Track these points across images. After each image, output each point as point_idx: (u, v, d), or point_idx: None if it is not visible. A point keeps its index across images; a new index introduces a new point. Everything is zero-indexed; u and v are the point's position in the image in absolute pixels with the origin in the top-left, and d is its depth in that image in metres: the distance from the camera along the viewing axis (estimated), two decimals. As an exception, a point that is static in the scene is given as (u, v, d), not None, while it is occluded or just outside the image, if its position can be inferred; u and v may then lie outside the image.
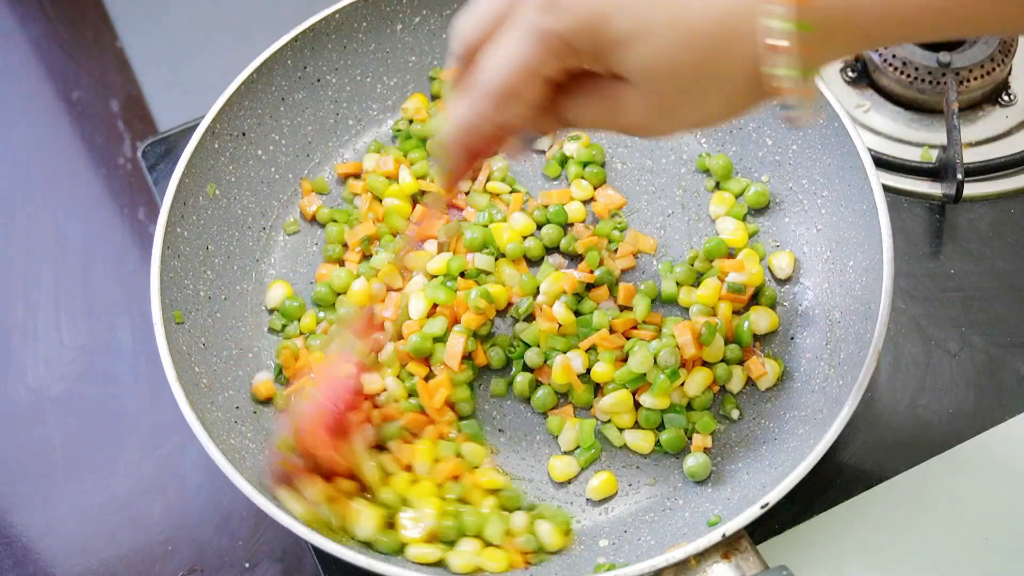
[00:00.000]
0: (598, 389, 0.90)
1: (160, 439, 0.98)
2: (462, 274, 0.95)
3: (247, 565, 0.92)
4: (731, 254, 0.96)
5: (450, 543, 0.83)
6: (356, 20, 1.01)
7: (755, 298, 0.93)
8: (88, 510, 0.95)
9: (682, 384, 0.88)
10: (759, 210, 0.97)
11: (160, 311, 0.86)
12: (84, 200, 1.14)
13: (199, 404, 0.83)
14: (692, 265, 0.94)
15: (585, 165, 1.01)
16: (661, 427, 0.89)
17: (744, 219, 0.97)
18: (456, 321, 0.92)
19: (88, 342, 1.04)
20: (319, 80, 1.01)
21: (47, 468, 0.98)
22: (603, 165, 1.02)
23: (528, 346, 0.92)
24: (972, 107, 1.07)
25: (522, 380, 0.91)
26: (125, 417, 1.00)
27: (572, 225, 0.99)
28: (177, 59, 1.24)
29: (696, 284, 0.94)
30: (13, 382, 1.02)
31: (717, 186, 1.00)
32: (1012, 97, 1.08)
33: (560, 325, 0.91)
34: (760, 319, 0.91)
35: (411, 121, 1.04)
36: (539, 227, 0.98)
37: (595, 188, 1.01)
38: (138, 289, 1.06)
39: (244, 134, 0.97)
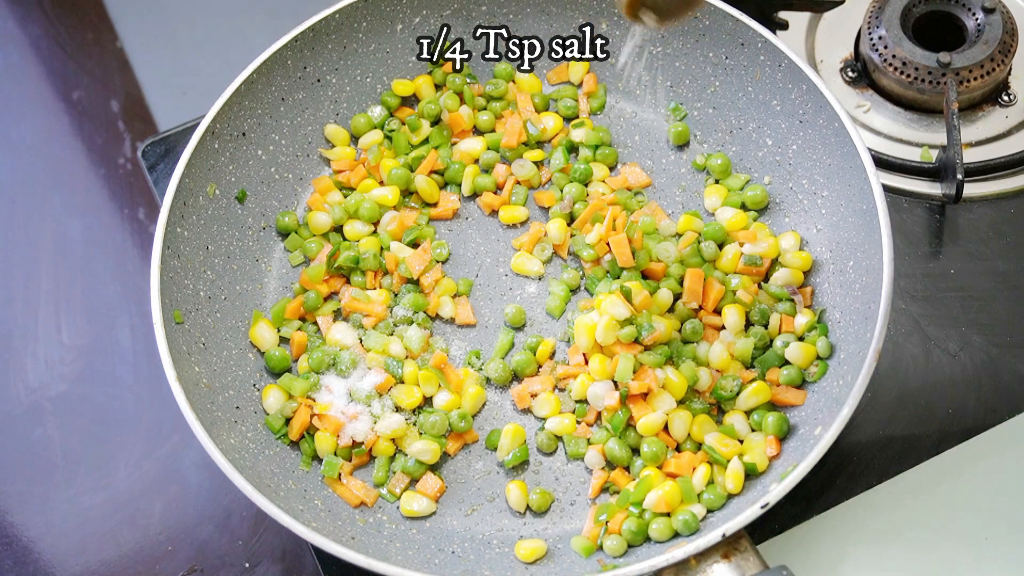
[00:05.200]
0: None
1: (160, 439, 0.98)
2: None
3: (247, 565, 0.92)
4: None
5: None
6: (356, 20, 1.01)
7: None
8: (88, 510, 0.96)
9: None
10: (759, 210, 0.97)
11: (160, 311, 0.86)
12: (84, 200, 1.14)
13: (199, 404, 0.83)
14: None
15: (596, 148, 1.01)
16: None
17: (741, 207, 0.97)
18: None
19: (88, 342, 1.04)
20: (319, 80, 1.01)
21: (47, 468, 0.98)
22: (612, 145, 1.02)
23: None
24: (972, 107, 1.07)
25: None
26: (125, 417, 1.00)
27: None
28: (177, 59, 1.24)
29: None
30: (13, 382, 1.02)
31: (716, 183, 0.99)
32: (1012, 97, 1.08)
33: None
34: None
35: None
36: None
37: (610, 169, 1.01)
38: (138, 289, 1.06)
39: (244, 134, 0.97)
